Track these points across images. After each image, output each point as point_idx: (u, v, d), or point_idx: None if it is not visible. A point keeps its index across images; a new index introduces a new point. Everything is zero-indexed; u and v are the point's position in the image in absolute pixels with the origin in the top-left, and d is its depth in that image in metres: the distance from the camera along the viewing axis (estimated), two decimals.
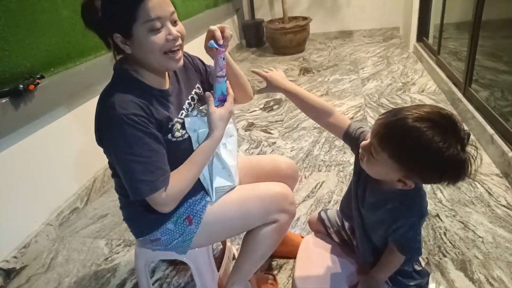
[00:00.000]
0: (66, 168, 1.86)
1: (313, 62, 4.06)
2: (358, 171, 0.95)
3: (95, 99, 0.94)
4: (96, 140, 0.96)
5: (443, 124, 0.71)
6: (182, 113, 1.01)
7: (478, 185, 1.71)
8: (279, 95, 3.18)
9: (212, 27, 0.98)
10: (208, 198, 1.05)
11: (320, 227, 1.19)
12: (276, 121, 2.69)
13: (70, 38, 1.86)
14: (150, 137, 0.89)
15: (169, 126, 0.96)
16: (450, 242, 1.41)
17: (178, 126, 0.99)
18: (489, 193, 1.65)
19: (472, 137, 0.76)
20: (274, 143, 2.37)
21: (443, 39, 3.08)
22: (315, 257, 1.13)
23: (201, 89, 1.12)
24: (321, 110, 0.98)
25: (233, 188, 1.08)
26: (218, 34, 0.96)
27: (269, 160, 1.27)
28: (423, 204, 0.88)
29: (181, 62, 0.95)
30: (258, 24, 4.79)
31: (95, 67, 1.96)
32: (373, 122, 2.54)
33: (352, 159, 2.06)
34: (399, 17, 4.54)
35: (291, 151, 2.25)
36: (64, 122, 1.83)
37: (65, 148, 1.85)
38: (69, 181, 1.87)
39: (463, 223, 1.50)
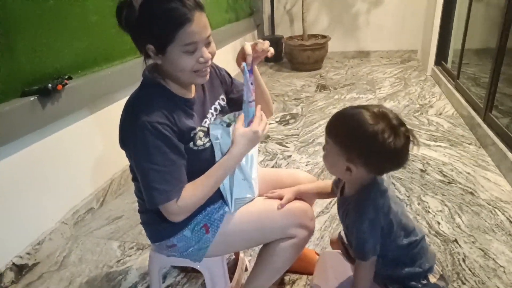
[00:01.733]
0: (84, 169, 1.88)
1: (330, 79, 4.08)
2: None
3: (118, 104, 0.97)
4: (120, 143, 0.98)
5: (376, 112, 0.83)
6: (206, 121, 1.02)
7: (499, 213, 1.67)
8: (295, 110, 3.19)
9: (247, 49, 0.97)
10: (226, 208, 1.05)
11: (340, 246, 1.18)
12: (292, 135, 2.69)
13: (97, 43, 1.91)
14: (171, 146, 0.91)
15: (191, 135, 0.97)
16: (469, 270, 1.38)
17: (201, 134, 1.00)
18: (510, 221, 1.62)
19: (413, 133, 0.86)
20: (290, 156, 2.37)
21: (463, 64, 3.07)
22: (333, 276, 1.11)
23: (225, 100, 1.14)
24: (327, 191, 1.14)
25: (253, 199, 1.08)
26: (249, 60, 0.97)
27: (288, 174, 1.27)
28: (373, 204, 0.88)
29: (208, 77, 0.97)
30: (277, 40, 4.85)
31: (120, 73, 2.00)
32: None
33: None
34: (418, 40, 4.55)
35: (306, 165, 2.24)
36: (86, 124, 1.86)
37: (85, 149, 1.87)
38: (86, 181, 1.89)
39: (483, 251, 1.46)
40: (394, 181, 1.98)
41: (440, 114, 2.88)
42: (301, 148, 2.47)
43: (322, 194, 1.14)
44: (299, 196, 1.09)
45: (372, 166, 0.86)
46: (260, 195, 1.12)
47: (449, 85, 3.19)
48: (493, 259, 1.42)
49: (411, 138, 0.84)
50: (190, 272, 1.45)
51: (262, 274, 1.10)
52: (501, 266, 1.38)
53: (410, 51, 4.81)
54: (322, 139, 2.58)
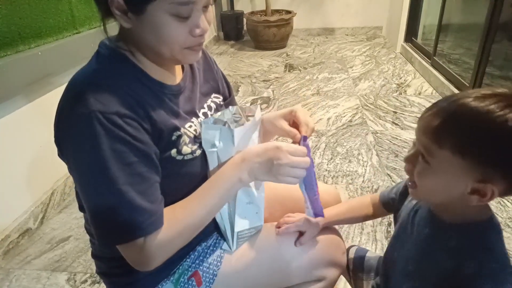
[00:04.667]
0: (15, 178, 1.46)
1: (298, 58, 3.82)
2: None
3: (56, 92, 0.61)
4: (57, 148, 0.63)
5: (490, 94, 0.52)
6: (191, 125, 0.69)
7: None
8: (266, 93, 2.89)
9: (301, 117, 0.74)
10: (225, 245, 0.75)
11: (350, 269, 0.89)
12: None
13: (22, 12, 1.46)
14: (138, 151, 0.58)
15: (174, 137, 0.65)
16: None
17: (187, 139, 0.67)
18: None
19: None
20: None
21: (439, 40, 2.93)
22: None
23: (221, 98, 0.82)
24: (363, 213, 0.84)
25: (260, 229, 0.78)
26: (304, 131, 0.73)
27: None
28: (496, 259, 0.55)
29: (200, 54, 0.65)
30: (238, 16, 4.47)
31: (55, 52, 1.57)
32: (373, 126, 2.34)
33: (360, 169, 1.82)
34: (383, 16, 4.41)
35: None
36: (12, 120, 1.43)
37: (13, 151, 1.45)
38: (19, 194, 1.47)
39: None
40: (389, 172, 1.78)
41: (419, 94, 2.72)
42: (280, 138, 2.19)
43: (358, 219, 0.84)
44: (325, 226, 0.80)
45: None
46: (266, 219, 0.82)
47: (424, 63, 3.05)
48: None
49: None
50: None
51: None
52: None
53: (375, 28, 4.67)
54: None
